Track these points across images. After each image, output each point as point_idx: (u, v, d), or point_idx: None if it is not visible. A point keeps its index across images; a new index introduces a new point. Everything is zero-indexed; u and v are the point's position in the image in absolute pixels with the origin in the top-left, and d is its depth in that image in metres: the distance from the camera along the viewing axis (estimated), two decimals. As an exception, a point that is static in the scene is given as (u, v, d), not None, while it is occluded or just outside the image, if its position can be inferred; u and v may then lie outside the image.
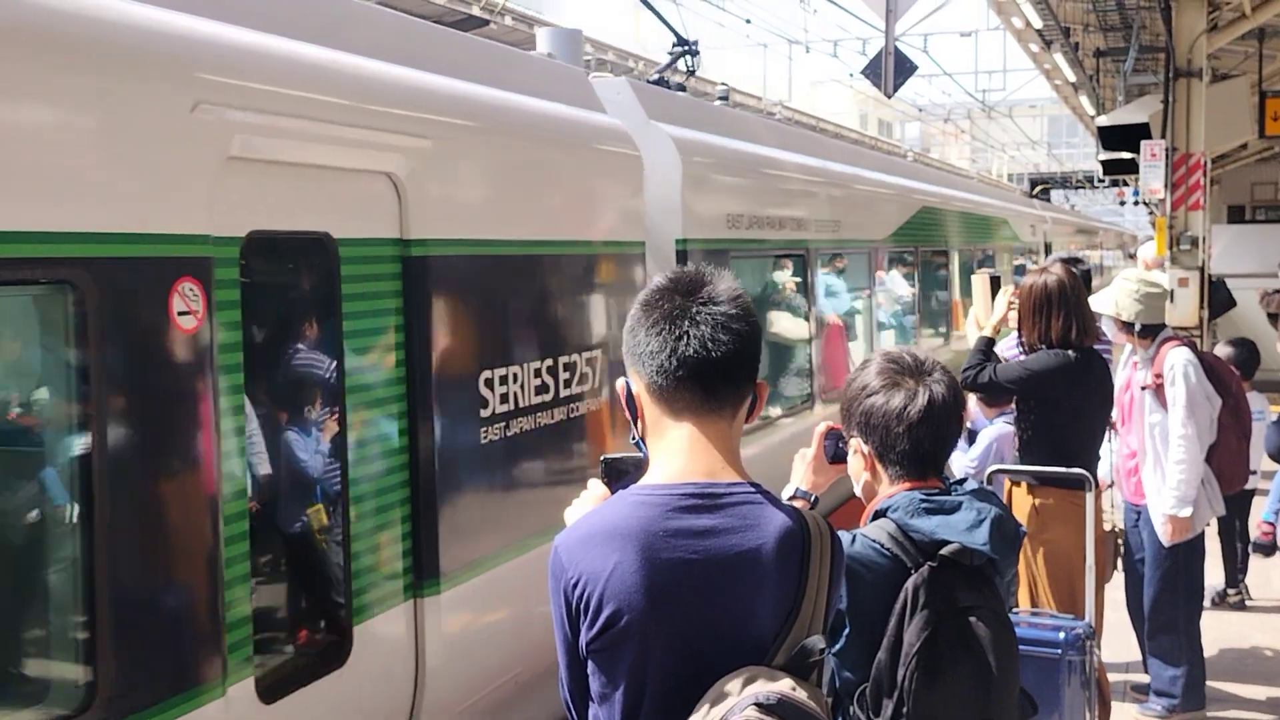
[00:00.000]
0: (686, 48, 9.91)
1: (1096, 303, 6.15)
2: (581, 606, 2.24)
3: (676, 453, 2.31)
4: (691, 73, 10.45)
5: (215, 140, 3.64)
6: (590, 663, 2.27)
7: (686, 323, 2.28)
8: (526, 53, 6.83)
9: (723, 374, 2.28)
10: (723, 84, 12.25)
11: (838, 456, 3.08)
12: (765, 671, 2.18)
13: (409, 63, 4.85)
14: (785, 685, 2.14)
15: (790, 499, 3.02)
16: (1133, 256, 31.28)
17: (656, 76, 9.25)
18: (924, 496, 2.93)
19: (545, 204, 5.60)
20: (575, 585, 2.24)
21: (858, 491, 3.10)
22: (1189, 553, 6.41)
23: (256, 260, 3.94)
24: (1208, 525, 6.55)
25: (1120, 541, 5.92)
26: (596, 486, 2.58)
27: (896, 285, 12.25)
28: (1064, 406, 5.43)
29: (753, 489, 2.31)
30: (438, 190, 4.71)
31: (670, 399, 2.31)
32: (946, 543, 2.85)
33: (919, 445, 2.95)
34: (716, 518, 2.25)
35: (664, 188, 6.85)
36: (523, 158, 5.43)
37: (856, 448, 3.04)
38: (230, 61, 3.82)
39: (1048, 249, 21.91)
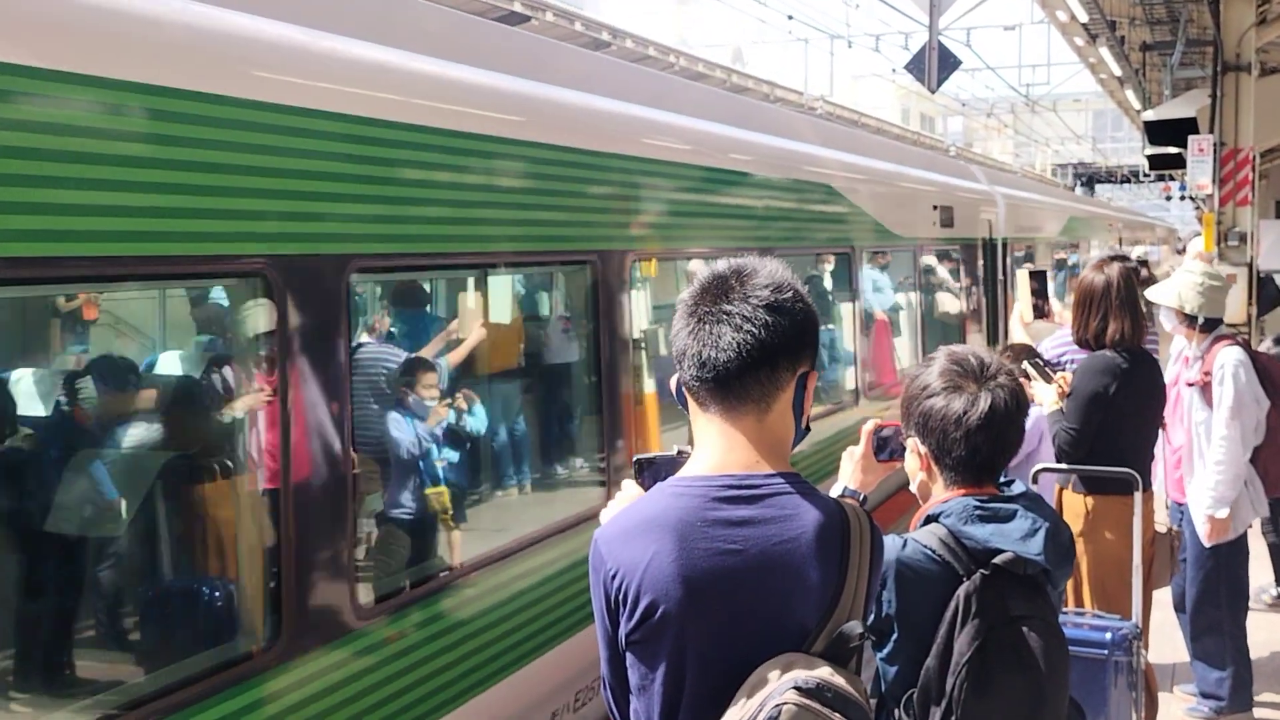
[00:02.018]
0: None
1: (1156, 294, 6.09)
2: (620, 598, 2.27)
3: (714, 446, 2.34)
4: None
5: None
6: (629, 655, 2.30)
7: (705, 325, 2.31)
8: None
9: (737, 374, 2.29)
10: None
11: (886, 454, 3.08)
12: (803, 658, 2.20)
13: None
14: (824, 671, 2.17)
15: (839, 498, 3.03)
16: (1181, 252, 30.14)
17: None
18: (978, 503, 2.90)
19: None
20: (614, 577, 2.27)
21: (913, 489, 3.09)
22: (1231, 553, 6.35)
23: None
24: (1250, 526, 6.49)
25: (1177, 544, 5.85)
26: (631, 487, 2.63)
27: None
28: (1110, 409, 5.39)
29: (791, 480, 2.32)
30: None
31: (697, 396, 2.36)
32: (999, 550, 2.83)
33: (976, 452, 2.92)
34: (755, 508, 2.27)
35: None
36: None
37: (914, 447, 3.02)
38: None
39: (997, 248, 13.67)
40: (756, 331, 2.28)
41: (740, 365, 2.28)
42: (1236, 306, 13.15)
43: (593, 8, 26.14)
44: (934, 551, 2.85)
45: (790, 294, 2.33)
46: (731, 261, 2.39)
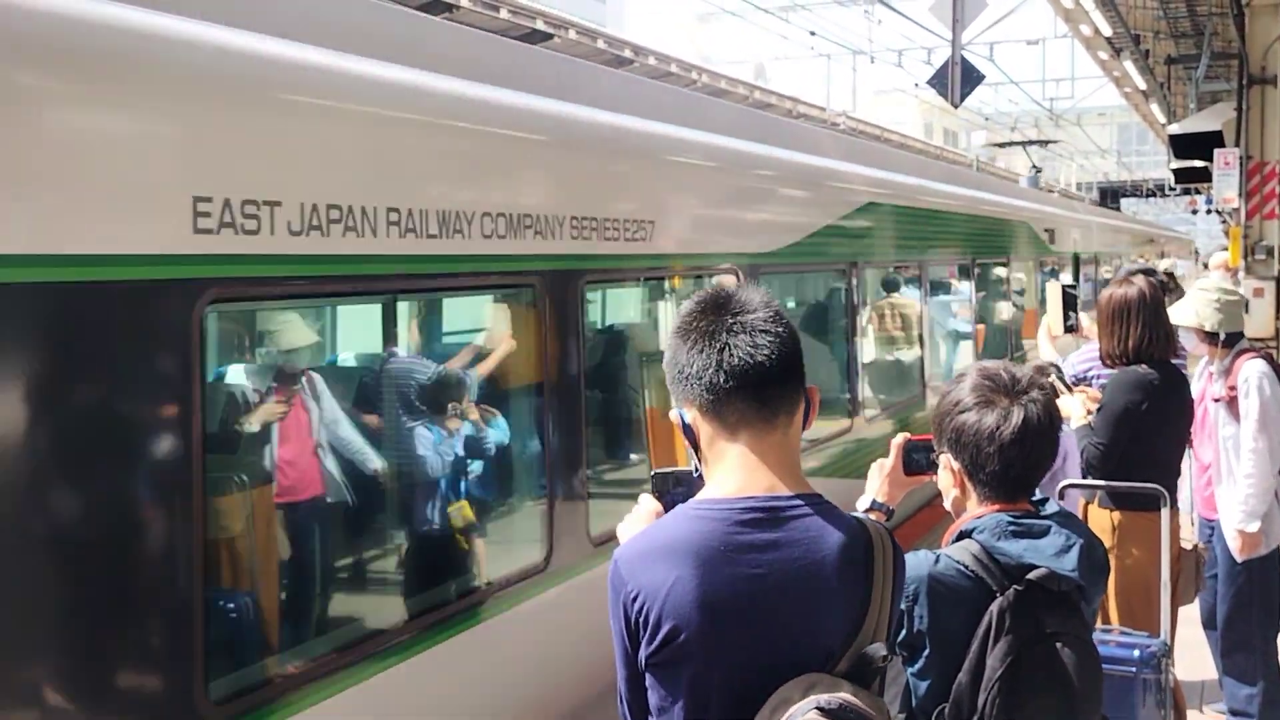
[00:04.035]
0: None
1: (1175, 315, 6.08)
2: (640, 621, 2.25)
3: (735, 469, 2.32)
4: None
5: None
6: (649, 676, 2.28)
7: (726, 335, 2.29)
8: None
9: (772, 377, 2.28)
10: None
11: (915, 469, 3.07)
12: (825, 679, 2.19)
13: None
14: (846, 692, 2.16)
15: (866, 511, 3.03)
16: (1205, 267, 29.80)
17: None
18: (1011, 519, 2.89)
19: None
20: (634, 600, 2.25)
21: (948, 506, 3.07)
22: (1263, 568, 6.30)
23: None
24: (1284, 541, 6.44)
25: (1202, 560, 5.83)
26: (648, 501, 2.59)
27: None
28: (1140, 425, 5.37)
29: (814, 501, 2.31)
30: None
31: (723, 414, 2.31)
32: (1033, 567, 2.82)
33: (1010, 467, 2.90)
34: (779, 532, 2.26)
35: None
36: None
37: (946, 463, 3.00)
38: None
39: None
40: (780, 334, 2.29)
41: (774, 368, 2.27)
42: (1264, 320, 13.08)
43: (615, 26, 26.24)
44: (967, 567, 2.84)
45: (781, 311, 2.35)
46: (716, 289, 2.38)
